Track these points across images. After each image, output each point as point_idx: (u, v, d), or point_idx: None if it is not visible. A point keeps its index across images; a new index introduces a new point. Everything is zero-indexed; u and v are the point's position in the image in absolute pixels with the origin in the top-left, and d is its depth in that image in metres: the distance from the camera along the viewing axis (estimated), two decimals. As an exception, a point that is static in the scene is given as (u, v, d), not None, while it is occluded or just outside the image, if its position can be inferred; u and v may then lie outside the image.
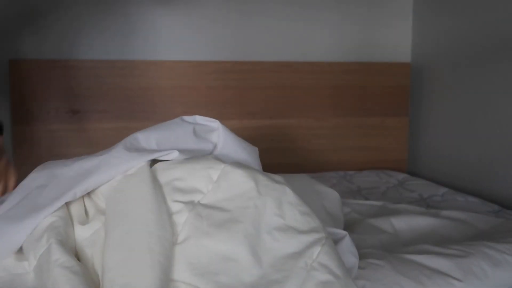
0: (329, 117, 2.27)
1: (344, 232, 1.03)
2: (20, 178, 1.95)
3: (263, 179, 0.95)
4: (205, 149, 1.10)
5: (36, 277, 0.87)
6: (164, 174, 0.97)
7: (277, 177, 0.99)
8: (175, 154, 1.00)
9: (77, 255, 0.91)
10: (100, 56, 2.08)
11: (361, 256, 1.08)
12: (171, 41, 2.15)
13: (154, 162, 1.02)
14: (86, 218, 0.98)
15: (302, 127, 2.24)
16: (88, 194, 1.01)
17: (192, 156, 1.03)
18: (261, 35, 2.24)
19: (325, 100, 2.26)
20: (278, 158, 2.20)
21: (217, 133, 1.15)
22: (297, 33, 2.27)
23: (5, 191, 1.23)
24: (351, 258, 1.00)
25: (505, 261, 1.10)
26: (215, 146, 1.12)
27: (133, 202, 0.90)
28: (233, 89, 2.15)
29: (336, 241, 1.00)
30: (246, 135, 2.17)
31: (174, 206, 0.90)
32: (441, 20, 2.19)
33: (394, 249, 1.19)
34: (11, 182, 1.25)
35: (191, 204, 0.91)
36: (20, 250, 0.93)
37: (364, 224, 1.40)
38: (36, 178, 1.05)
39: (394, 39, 2.39)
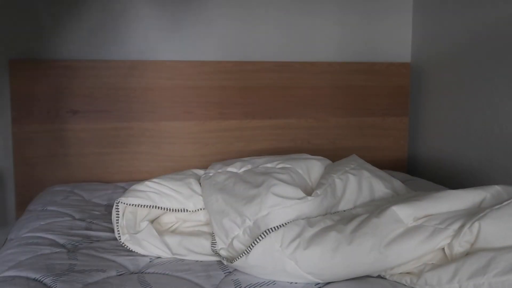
0: (329, 117, 2.27)
1: None
2: (20, 178, 1.96)
3: None
4: None
5: None
6: None
7: None
8: None
9: None
10: (100, 56, 2.08)
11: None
12: (171, 41, 2.15)
13: None
14: None
15: (302, 127, 2.24)
16: None
17: None
18: (261, 35, 2.24)
19: (325, 100, 2.26)
20: (278, 158, 2.20)
21: None
22: (297, 33, 2.27)
23: None
24: None
25: None
26: None
27: None
28: (233, 89, 2.15)
29: None
30: (246, 135, 2.18)
31: None
32: (441, 20, 2.19)
33: None
34: None
35: None
36: None
37: None
38: None
39: (394, 39, 2.39)
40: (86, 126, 2.02)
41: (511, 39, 1.79)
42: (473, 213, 1.11)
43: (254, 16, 2.22)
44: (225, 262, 1.24)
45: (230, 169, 1.52)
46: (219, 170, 1.52)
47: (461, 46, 2.06)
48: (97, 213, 1.63)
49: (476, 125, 1.97)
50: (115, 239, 1.38)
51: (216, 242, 1.31)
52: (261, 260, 1.15)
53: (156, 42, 2.13)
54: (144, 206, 1.37)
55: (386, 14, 2.37)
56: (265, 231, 1.18)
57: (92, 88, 2.02)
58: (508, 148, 1.81)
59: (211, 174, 1.51)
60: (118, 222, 1.36)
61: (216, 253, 1.29)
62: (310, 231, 1.17)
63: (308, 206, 1.26)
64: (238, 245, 1.25)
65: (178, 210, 1.40)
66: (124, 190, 1.80)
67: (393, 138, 2.36)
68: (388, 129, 2.35)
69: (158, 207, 1.38)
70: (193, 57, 2.16)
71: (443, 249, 1.10)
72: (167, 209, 1.39)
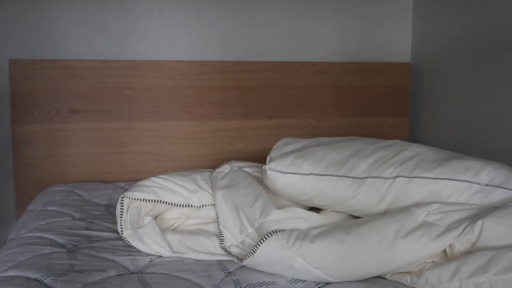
0: (329, 117, 2.27)
1: None
2: (20, 178, 1.96)
3: None
4: None
5: None
6: None
7: None
8: None
9: None
10: (100, 56, 2.08)
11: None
12: (171, 41, 2.15)
13: None
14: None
15: (302, 127, 2.25)
16: None
17: None
18: (261, 35, 2.24)
19: (325, 100, 2.26)
20: (278, 158, 2.20)
21: None
22: (297, 33, 2.28)
23: None
24: None
25: None
26: None
27: None
28: (233, 89, 2.15)
29: None
30: (246, 135, 2.18)
31: None
32: (441, 20, 2.19)
33: None
34: None
35: None
36: None
37: None
38: None
39: (394, 39, 2.39)
40: (86, 126, 2.02)
41: (511, 39, 1.79)
42: (478, 212, 1.12)
43: (254, 16, 2.22)
44: (235, 260, 1.24)
45: (247, 169, 1.53)
46: (235, 168, 1.53)
47: (461, 46, 2.06)
48: (97, 213, 1.63)
49: (476, 125, 1.97)
50: (115, 239, 1.38)
51: (224, 240, 1.29)
52: (269, 258, 1.15)
53: (156, 42, 2.13)
54: (149, 200, 1.37)
55: (386, 14, 2.37)
56: (272, 231, 1.18)
57: (92, 88, 2.02)
58: (508, 148, 1.81)
59: (226, 171, 1.52)
60: (122, 217, 1.36)
61: (226, 251, 1.29)
62: (317, 229, 1.17)
63: (320, 220, 1.27)
64: (249, 242, 1.25)
65: (183, 205, 1.40)
66: (124, 190, 1.80)
67: (393, 138, 2.35)
68: (388, 129, 2.35)
69: (163, 202, 1.38)
70: (193, 57, 2.16)
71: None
72: (171, 204, 1.39)
